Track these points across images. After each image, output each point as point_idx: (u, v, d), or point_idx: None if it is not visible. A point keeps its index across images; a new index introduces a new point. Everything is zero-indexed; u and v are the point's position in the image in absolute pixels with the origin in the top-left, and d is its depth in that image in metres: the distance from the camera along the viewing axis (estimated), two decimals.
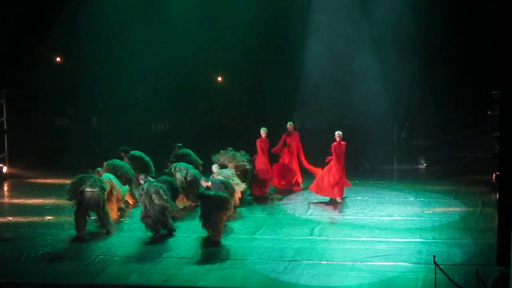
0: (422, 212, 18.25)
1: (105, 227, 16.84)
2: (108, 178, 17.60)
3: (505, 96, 13.89)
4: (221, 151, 19.63)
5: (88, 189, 16.63)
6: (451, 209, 18.49)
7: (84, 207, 16.59)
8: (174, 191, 17.65)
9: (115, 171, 18.45)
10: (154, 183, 16.70)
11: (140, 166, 19.24)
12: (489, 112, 19.70)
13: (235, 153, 19.58)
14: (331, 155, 18.84)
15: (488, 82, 20.43)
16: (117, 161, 18.95)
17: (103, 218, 16.78)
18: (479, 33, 22.66)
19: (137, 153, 19.67)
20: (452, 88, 23.64)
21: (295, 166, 20.20)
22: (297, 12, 24.19)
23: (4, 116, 22.42)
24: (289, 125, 20.20)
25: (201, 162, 19.98)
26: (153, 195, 16.38)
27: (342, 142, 18.87)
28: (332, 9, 23.58)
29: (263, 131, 19.89)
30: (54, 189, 20.81)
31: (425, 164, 23.17)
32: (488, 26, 21.24)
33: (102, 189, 16.85)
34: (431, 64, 23.55)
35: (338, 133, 18.87)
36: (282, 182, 20.32)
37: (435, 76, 23.87)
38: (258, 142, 19.87)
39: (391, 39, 23.19)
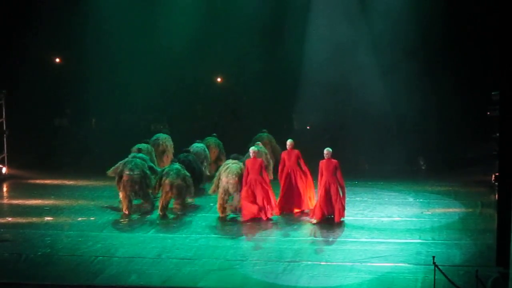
0: (422, 213, 18.25)
1: (148, 205, 18.36)
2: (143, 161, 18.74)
3: (505, 97, 13.90)
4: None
5: (127, 172, 17.94)
6: (451, 210, 18.50)
7: (126, 189, 17.98)
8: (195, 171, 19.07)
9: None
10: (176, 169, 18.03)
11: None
12: (488, 113, 19.71)
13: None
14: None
15: (487, 83, 20.48)
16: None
17: (143, 198, 18.35)
18: (478, 34, 22.67)
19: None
20: (451, 88, 23.65)
21: (295, 187, 18.21)
22: (296, 13, 24.23)
23: (4, 116, 22.42)
24: (289, 142, 18.42)
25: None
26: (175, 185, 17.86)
27: (333, 160, 17.51)
28: (331, 9, 23.62)
29: (252, 151, 17.92)
30: (53, 189, 20.85)
31: (424, 165, 23.18)
32: (487, 27, 21.25)
33: (143, 172, 18.12)
34: (430, 65, 23.58)
35: (327, 150, 17.48)
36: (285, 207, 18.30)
37: (434, 77, 23.88)
38: (247, 162, 17.82)
39: (390, 40, 23.22)
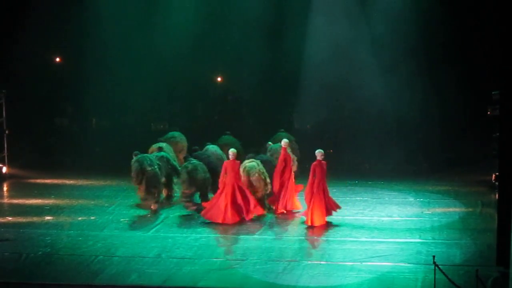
0: (422, 212, 18.26)
1: (155, 202, 18.43)
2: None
3: (505, 97, 13.91)
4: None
5: (148, 168, 18.18)
6: (451, 209, 18.51)
7: (145, 185, 18.21)
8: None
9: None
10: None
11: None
12: (488, 113, 19.71)
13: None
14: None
15: (487, 83, 20.48)
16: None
17: (155, 193, 18.42)
18: (479, 33, 22.66)
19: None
20: (452, 88, 23.64)
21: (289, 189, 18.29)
22: (296, 12, 24.22)
23: (4, 116, 22.42)
24: (285, 142, 18.58)
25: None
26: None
27: (323, 162, 17.29)
28: (332, 9, 23.61)
29: (231, 153, 17.74)
30: (53, 189, 20.86)
31: (424, 164, 23.16)
32: (488, 26, 21.24)
33: (159, 166, 18.45)
34: (431, 64, 23.56)
35: (319, 152, 17.38)
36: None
37: (434, 76, 23.86)
38: (225, 164, 17.73)
39: (390, 39, 23.22)
